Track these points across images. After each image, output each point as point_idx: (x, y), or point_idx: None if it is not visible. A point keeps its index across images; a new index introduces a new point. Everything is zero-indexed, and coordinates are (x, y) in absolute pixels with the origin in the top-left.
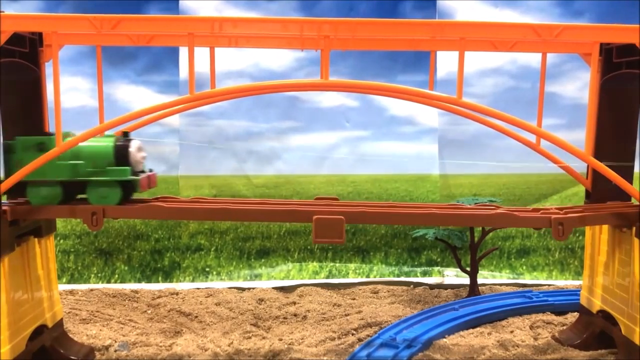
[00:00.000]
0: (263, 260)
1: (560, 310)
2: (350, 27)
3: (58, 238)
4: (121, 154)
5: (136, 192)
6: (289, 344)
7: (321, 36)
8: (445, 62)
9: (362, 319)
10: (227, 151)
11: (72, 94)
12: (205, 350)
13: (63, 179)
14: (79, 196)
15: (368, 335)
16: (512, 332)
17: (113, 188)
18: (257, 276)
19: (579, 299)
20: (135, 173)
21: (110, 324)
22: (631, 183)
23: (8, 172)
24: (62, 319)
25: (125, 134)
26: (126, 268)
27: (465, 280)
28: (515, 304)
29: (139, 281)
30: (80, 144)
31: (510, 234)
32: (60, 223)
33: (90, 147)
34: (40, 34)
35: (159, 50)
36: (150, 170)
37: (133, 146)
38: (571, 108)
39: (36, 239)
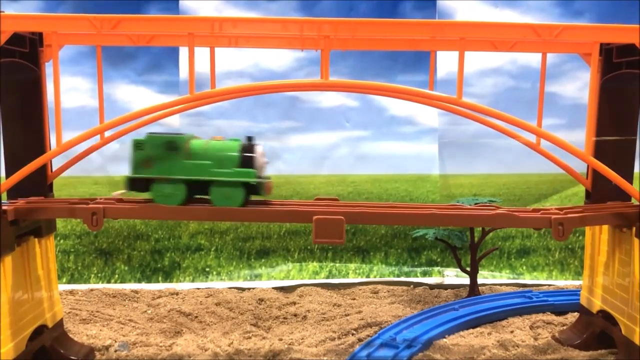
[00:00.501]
0: (263, 260)
1: (560, 310)
2: (350, 27)
3: (58, 238)
4: (247, 158)
5: (259, 196)
6: (289, 344)
7: (321, 36)
8: (445, 62)
9: (362, 319)
10: None
11: (72, 94)
12: (205, 350)
13: (189, 178)
14: (196, 196)
15: (368, 335)
16: (512, 332)
17: (237, 189)
18: (257, 276)
19: (579, 299)
20: (259, 177)
21: (110, 324)
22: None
23: (132, 169)
24: (62, 319)
25: (250, 139)
26: (126, 268)
27: (465, 280)
28: (515, 304)
29: (139, 281)
30: (209, 145)
31: (510, 234)
32: (60, 223)
33: (218, 149)
34: (40, 34)
35: (159, 50)
36: (268, 177)
37: (258, 151)
38: (571, 108)
39: (36, 239)
